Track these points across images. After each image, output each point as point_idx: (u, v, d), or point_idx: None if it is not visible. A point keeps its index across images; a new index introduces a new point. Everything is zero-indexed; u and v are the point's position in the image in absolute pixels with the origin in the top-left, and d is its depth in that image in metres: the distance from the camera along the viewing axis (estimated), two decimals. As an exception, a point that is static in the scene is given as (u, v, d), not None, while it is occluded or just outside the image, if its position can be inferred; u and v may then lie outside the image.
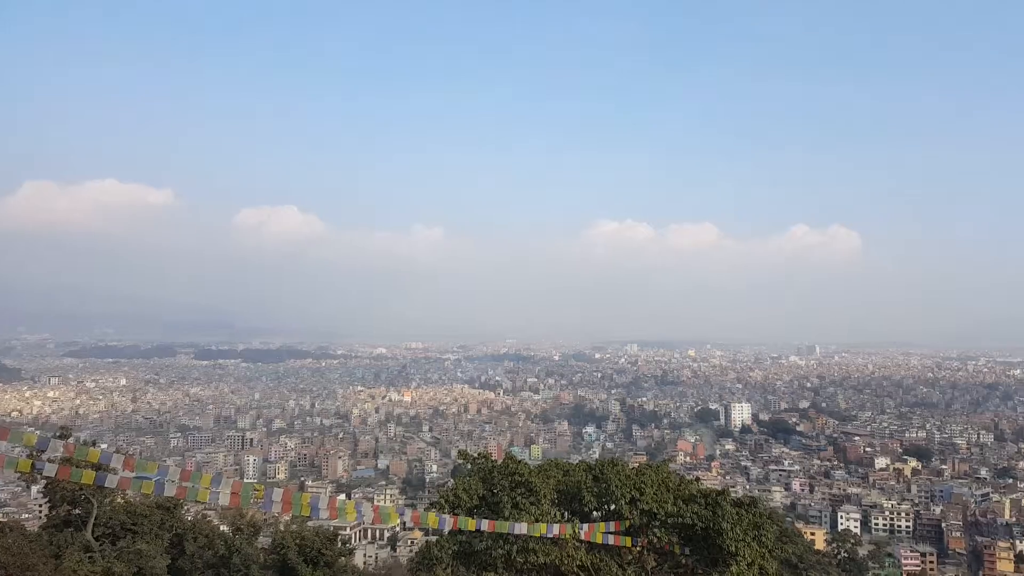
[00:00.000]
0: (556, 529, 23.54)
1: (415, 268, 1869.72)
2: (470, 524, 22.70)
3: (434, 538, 29.58)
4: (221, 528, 50.10)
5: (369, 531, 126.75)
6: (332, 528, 54.51)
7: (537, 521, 23.86)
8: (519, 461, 28.52)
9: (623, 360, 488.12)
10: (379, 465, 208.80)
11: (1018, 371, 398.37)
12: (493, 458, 29.88)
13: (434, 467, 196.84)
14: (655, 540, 25.18)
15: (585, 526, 24.64)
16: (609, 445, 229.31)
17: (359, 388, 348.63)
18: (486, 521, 22.94)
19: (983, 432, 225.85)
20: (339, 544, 43.98)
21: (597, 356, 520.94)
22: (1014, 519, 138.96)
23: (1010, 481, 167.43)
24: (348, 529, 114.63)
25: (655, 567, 26.06)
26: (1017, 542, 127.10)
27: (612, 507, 26.24)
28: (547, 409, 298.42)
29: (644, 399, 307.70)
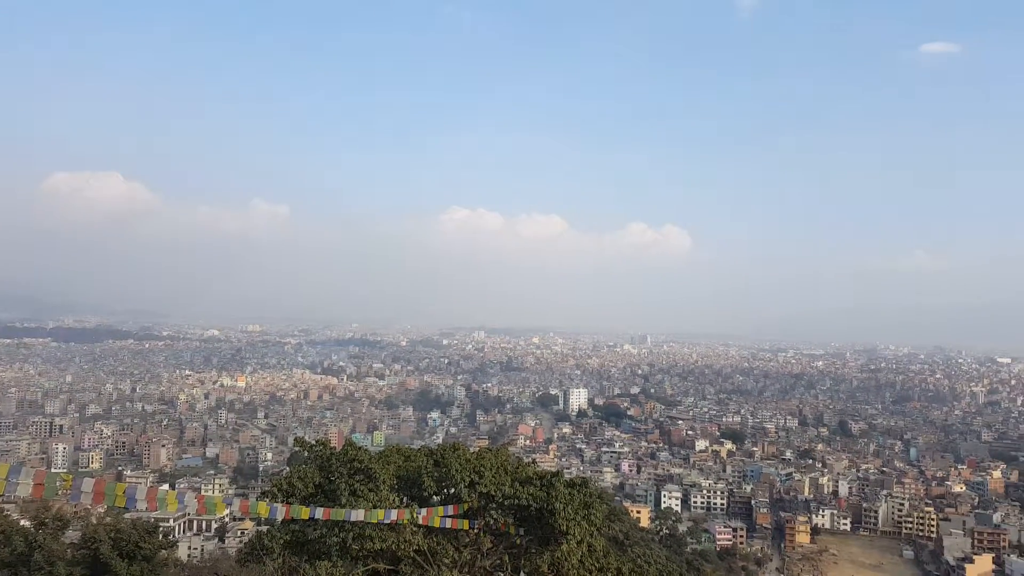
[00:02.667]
0: (394, 515, 23.34)
1: (256, 247, 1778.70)
2: (304, 512, 21.96)
3: (265, 528, 28.35)
4: (21, 523, 45.01)
5: (195, 522, 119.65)
6: (153, 520, 50.73)
7: (375, 507, 23.53)
8: (359, 448, 28.04)
9: (470, 346, 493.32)
10: (207, 453, 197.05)
11: (820, 363, 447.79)
12: (332, 445, 29.15)
13: (269, 455, 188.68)
14: (492, 522, 25.64)
15: (424, 511, 24.64)
16: (453, 430, 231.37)
17: (187, 372, 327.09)
18: (321, 509, 22.31)
19: (789, 417, 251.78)
20: (160, 537, 40.95)
21: (445, 342, 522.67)
22: (812, 496, 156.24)
23: (810, 462, 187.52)
24: (172, 521, 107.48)
25: (491, 548, 26.57)
26: (813, 516, 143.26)
27: (452, 491, 26.45)
28: (392, 395, 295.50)
29: (489, 385, 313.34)
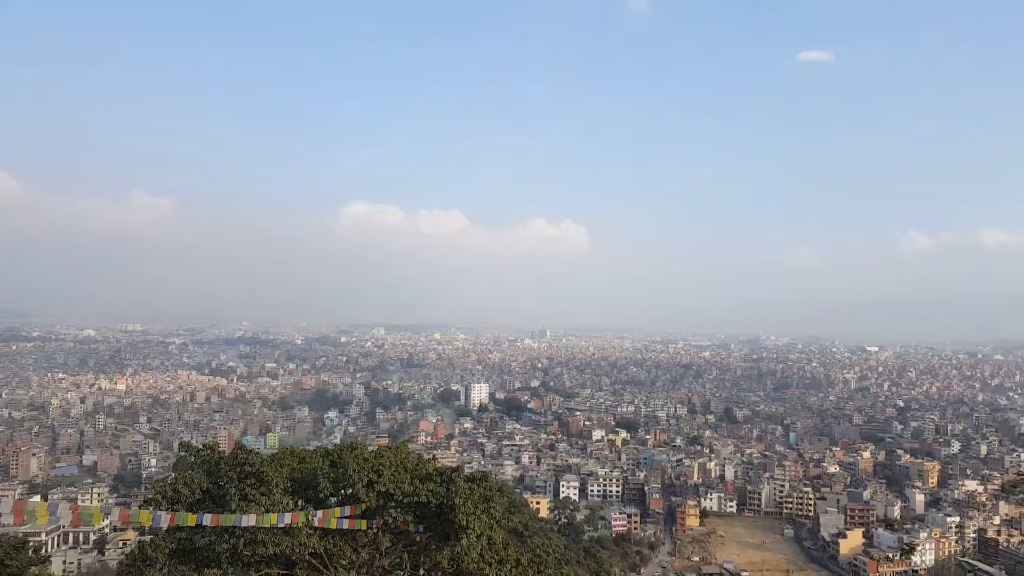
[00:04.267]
0: (288, 518, 22.61)
1: (137, 242, 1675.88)
2: (190, 519, 20.91)
3: (149, 538, 26.79)
4: None
5: (72, 535, 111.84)
6: (22, 535, 47.01)
7: (268, 511, 22.73)
8: (250, 451, 26.93)
9: (369, 343, 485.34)
10: (84, 461, 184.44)
11: (707, 353, 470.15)
12: (222, 449, 27.89)
13: (153, 461, 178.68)
14: (391, 520, 25.33)
15: (319, 512, 24.00)
16: (352, 429, 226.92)
17: (60, 375, 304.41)
18: (209, 515, 21.32)
19: (679, 405, 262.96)
20: (30, 552, 38.02)
21: (343, 340, 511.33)
22: (701, 480, 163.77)
23: (699, 448, 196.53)
24: (43, 535, 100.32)
25: (390, 547, 26.25)
26: (702, 500, 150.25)
27: (349, 491, 25.89)
28: (287, 395, 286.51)
29: (389, 382, 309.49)
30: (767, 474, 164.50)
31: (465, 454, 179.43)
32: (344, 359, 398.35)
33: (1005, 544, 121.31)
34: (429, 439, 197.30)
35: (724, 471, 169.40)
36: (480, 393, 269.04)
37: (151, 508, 23.41)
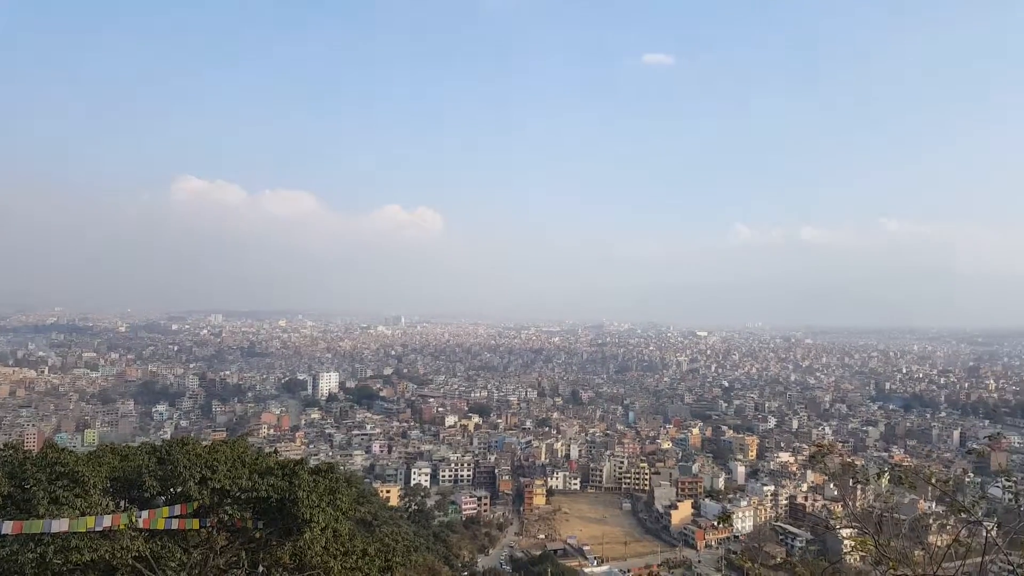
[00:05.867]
0: (107, 520, 20.80)
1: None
2: (-14, 529, 18.64)
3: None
4: None
5: None
6: None
7: (84, 514, 20.78)
8: (63, 450, 24.48)
9: (205, 331, 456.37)
10: None
11: (557, 339, 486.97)
12: (29, 448, 25.11)
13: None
14: (227, 518, 24.02)
15: (145, 513, 22.30)
16: (184, 424, 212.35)
17: None
18: (10, 523, 19.13)
19: (530, 389, 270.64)
20: None
21: (174, 327, 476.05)
22: (548, 461, 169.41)
23: (547, 429, 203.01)
24: None
25: (226, 545, 24.94)
26: (549, 479, 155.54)
27: (179, 490, 24.26)
28: (108, 388, 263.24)
29: (228, 372, 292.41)
30: (608, 452, 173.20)
31: (311, 446, 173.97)
32: (176, 348, 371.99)
33: (811, 509, 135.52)
34: (272, 432, 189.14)
35: (570, 451, 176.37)
36: (329, 382, 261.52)
37: (-62, 519, 20.61)
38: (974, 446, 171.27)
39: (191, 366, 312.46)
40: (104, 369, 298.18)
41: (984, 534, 9.34)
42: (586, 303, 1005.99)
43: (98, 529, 20.80)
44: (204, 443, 29.05)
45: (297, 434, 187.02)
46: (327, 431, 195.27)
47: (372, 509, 78.23)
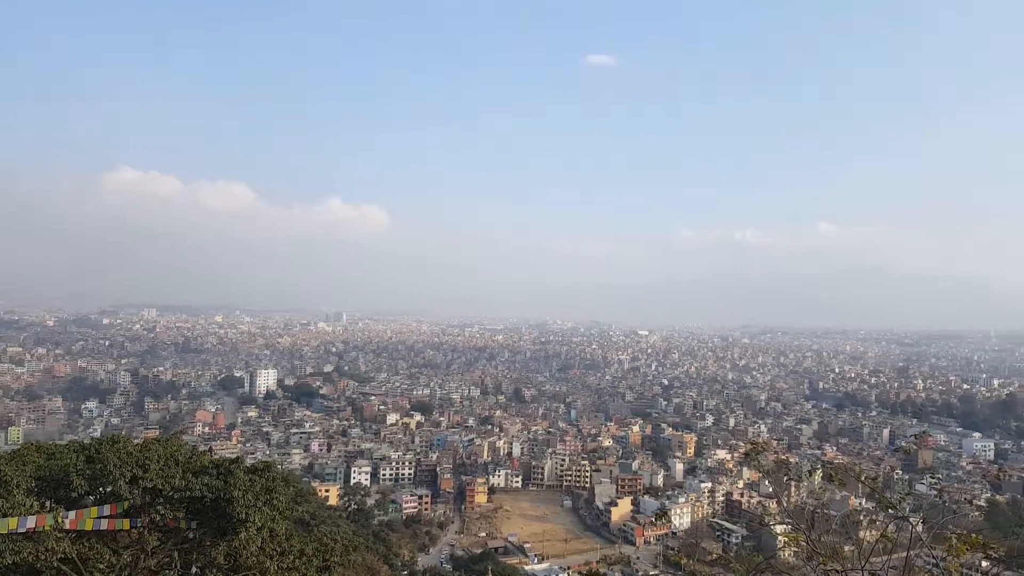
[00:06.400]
0: (31, 521, 19.88)
1: None
2: None
3: None
4: None
5: None
6: None
7: (5, 516, 19.83)
8: (-18, 447, 23.31)
9: (138, 326, 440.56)
10: None
11: (501, 336, 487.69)
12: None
13: None
14: (159, 518, 23.30)
15: (72, 513, 21.40)
16: (115, 421, 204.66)
17: None
18: (-78, 527, 18.07)
19: (473, 387, 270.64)
20: None
21: (106, 321, 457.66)
22: (490, 458, 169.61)
23: (490, 427, 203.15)
24: None
25: (157, 546, 24.18)
26: (491, 477, 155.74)
27: (109, 489, 23.43)
28: (34, 384, 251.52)
29: (161, 369, 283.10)
30: (550, 450, 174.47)
31: (248, 444, 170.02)
32: (107, 343, 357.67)
33: (747, 505, 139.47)
34: (207, 430, 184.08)
35: (512, 448, 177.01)
36: (267, 379, 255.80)
37: None
38: (902, 444, 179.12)
39: (123, 362, 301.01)
40: (30, 364, 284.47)
41: (910, 529, 9.75)
42: (530, 302, 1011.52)
43: (21, 531, 19.91)
44: (136, 441, 28.14)
45: (233, 432, 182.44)
46: (264, 429, 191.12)
47: (310, 508, 76.96)
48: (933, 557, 9.37)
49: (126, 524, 22.77)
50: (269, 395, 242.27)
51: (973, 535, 9.46)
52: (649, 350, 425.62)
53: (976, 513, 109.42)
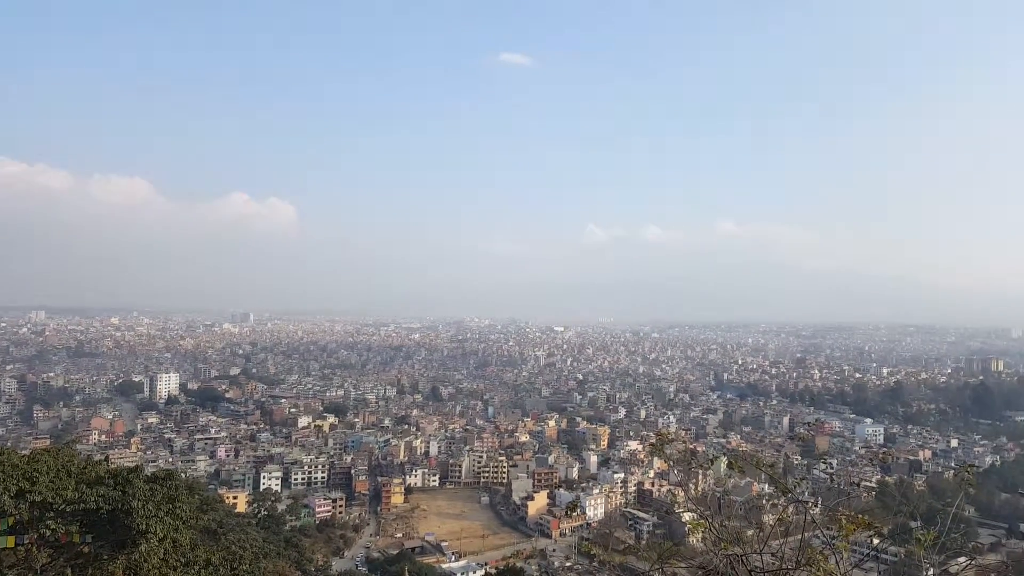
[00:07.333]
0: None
1: None
2: None
3: None
4: None
5: None
6: None
7: None
8: None
9: (25, 330, 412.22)
10: None
11: (417, 335, 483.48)
12: None
13: None
14: (49, 533, 21.88)
15: (-53, 534, 19.79)
16: (0, 431, 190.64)
17: None
18: None
19: (389, 387, 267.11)
20: None
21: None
22: (407, 458, 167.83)
23: (406, 427, 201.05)
24: None
25: (48, 563, 22.71)
26: (407, 477, 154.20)
27: (-9, 505, 21.75)
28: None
29: (52, 374, 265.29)
30: (467, 447, 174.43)
31: (149, 452, 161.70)
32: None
33: (657, 494, 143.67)
34: (104, 438, 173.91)
35: (429, 447, 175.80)
36: (168, 384, 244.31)
37: None
38: (800, 431, 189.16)
39: (8, 368, 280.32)
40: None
41: (806, 512, 10.31)
42: (448, 301, 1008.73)
43: None
44: (23, 452, 26.36)
45: (132, 440, 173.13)
46: (166, 436, 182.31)
47: (217, 517, 73.90)
48: (827, 537, 9.94)
49: (11, 541, 21.28)
50: (171, 400, 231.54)
51: (860, 515, 10.09)
52: (564, 346, 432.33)
53: (867, 494, 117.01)
